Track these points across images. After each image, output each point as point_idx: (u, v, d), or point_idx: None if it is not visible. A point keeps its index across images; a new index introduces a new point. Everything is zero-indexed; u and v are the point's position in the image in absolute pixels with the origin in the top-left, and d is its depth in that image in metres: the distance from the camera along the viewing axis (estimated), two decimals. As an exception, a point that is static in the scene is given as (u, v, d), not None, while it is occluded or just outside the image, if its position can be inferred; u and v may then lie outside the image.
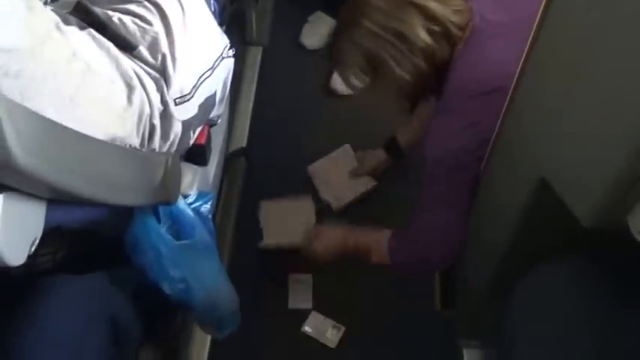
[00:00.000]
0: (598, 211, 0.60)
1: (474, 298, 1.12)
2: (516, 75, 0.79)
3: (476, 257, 1.06)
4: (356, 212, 1.53)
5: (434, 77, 1.03)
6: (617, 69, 0.58)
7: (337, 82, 1.79)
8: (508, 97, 0.81)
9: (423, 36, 1.00)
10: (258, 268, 1.44)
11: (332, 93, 1.79)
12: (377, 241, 1.20)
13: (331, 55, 1.14)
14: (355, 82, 1.12)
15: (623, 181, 0.57)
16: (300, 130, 1.71)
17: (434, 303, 1.36)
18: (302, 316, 1.38)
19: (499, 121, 0.85)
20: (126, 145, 0.81)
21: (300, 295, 1.42)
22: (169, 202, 0.82)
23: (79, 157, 0.67)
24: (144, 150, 0.85)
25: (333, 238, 1.29)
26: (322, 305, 1.40)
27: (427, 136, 1.05)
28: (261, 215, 1.46)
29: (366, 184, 1.56)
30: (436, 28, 1.00)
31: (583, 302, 0.69)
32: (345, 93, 1.79)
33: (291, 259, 1.40)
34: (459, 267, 1.23)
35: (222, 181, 1.42)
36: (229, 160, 1.48)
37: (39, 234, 0.68)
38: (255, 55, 1.74)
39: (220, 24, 1.40)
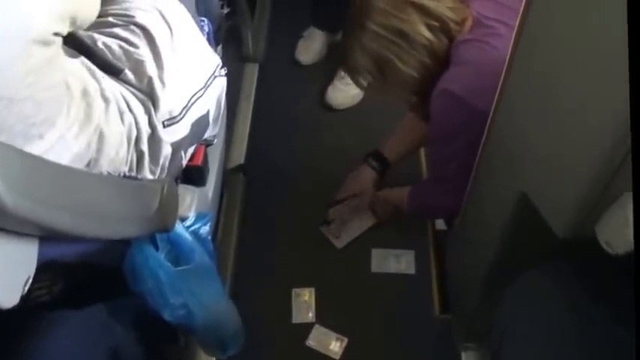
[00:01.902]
0: (571, 223, 0.65)
1: (469, 303, 1.15)
2: (497, 93, 0.82)
3: (468, 264, 1.09)
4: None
5: (438, 71, 1.08)
6: (585, 94, 0.61)
7: (333, 97, 1.81)
8: (490, 115, 0.83)
9: (423, 32, 1.07)
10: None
11: (328, 107, 1.81)
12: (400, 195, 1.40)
13: (342, 60, 1.20)
14: (366, 83, 1.18)
15: (592, 196, 0.62)
16: (298, 145, 1.72)
17: (433, 309, 1.40)
18: (305, 329, 1.38)
19: (484, 135, 0.88)
20: (118, 173, 0.82)
21: (302, 309, 1.42)
22: (166, 230, 0.82)
23: (68, 193, 0.66)
24: (138, 177, 0.86)
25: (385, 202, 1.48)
26: (325, 318, 1.40)
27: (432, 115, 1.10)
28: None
29: (367, 222, 1.54)
30: (435, 23, 1.08)
31: (562, 299, 0.74)
32: (340, 107, 1.81)
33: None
34: (453, 273, 1.25)
35: (221, 198, 1.43)
36: (228, 176, 1.50)
37: (32, 273, 0.67)
38: (252, 71, 1.75)
39: (216, 43, 1.43)
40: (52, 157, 0.73)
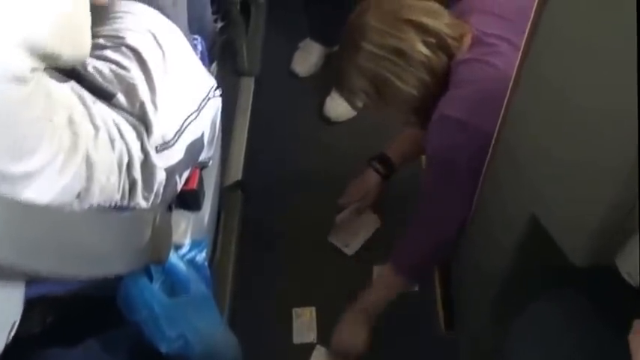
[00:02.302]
0: (588, 251, 0.60)
1: (476, 323, 1.11)
2: (502, 108, 0.79)
3: (476, 284, 1.06)
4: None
5: (438, 90, 1.06)
6: (604, 106, 0.57)
7: (331, 109, 1.78)
8: (495, 132, 0.80)
9: (421, 49, 1.05)
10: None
11: (326, 120, 1.78)
12: (382, 283, 1.22)
13: (336, 80, 1.17)
14: (361, 104, 1.15)
15: (612, 222, 0.57)
16: (297, 159, 1.69)
17: (438, 326, 1.35)
18: (306, 350, 1.36)
19: (489, 154, 0.85)
20: (109, 203, 0.80)
21: (304, 329, 1.40)
22: (160, 262, 0.80)
23: (54, 237, 0.64)
24: (129, 205, 0.84)
25: (352, 331, 1.24)
26: (326, 338, 1.37)
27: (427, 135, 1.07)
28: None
29: (373, 224, 1.54)
30: (432, 40, 1.05)
31: (574, 333, 0.70)
32: (339, 119, 1.78)
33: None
34: (460, 292, 1.22)
35: (219, 217, 1.40)
36: (226, 194, 1.47)
37: (18, 317, 0.64)
38: (248, 85, 1.73)
39: (210, 60, 1.41)
40: (39, 190, 0.70)
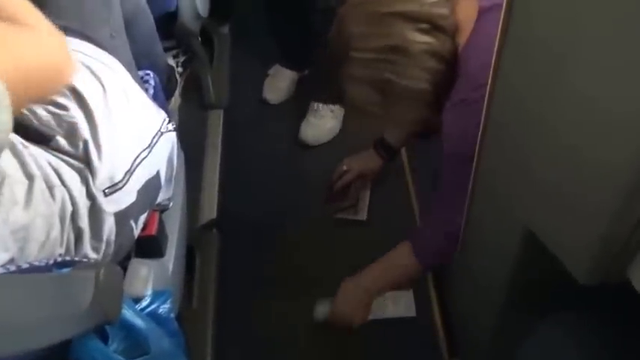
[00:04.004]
0: (593, 268, 0.50)
1: (479, 348, 1.01)
2: (484, 105, 0.70)
3: (475, 306, 0.96)
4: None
5: (450, 73, 0.96)
6: (605, 93, 0.48)
7: (307, 133, 1.71)
8: (478, 141, 0.71)
9: (417, 38, 0.94)
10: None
11: (303, 145, 1.71)
12: (396, 265, 1.19)
13: (336, 94, 1.08)
14: (373, 110, 1.04)
15: (618, 235, 0.47)
16: (275, 190, 1.61)
17: (441, 354, 1.27)
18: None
19: (474, 165, 0.76)
20: (50, 260, 0.71)
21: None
22: (109, 322, 0.70)
23: None
24: (74, 258, 0.74)
25: (349, 297, 1.23)
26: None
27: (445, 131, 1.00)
28: None
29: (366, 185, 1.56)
30: (424, 26, 0.94)
31: None
32: (317, 143, 1.71)
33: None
34: (460, 316, 1.13)
35: (194, 260, 1.30)
36: (200, 234, 1.38)
37: None
38: (216, 118, 1.66)
39: (167, 95, 1.33)
40: None
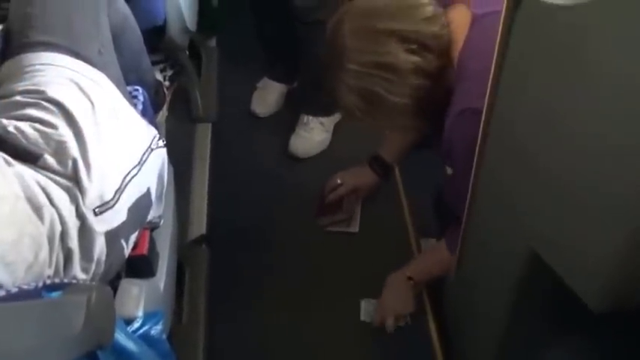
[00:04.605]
0: (606, 293, 0.47)
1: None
2: (483, 116, 0.69)
3: (475, 332, 0.94)
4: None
5: (437, 89, 1.01)
6: (612, 108, 0.47)
7: (297, 146, 1.70)
8: (475, 157, 0.70)
9: (405, 57, 0.99)
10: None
11: (294, 158, 1.69)
12: (434, 256, 1.29)
13: (329, 95, 1.12)
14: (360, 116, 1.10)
15: (635, 258, 0.44)
16: (266, 204, 1.59)
17: None
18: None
19: (471, 182, 0.75)
20: (38, 282, 0.69)
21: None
22: (101, 347, 0.68)
23: None
24: (63, 280, 0.72)
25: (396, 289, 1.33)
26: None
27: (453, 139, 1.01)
28: None
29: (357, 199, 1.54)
30: (413, 46, 0.99)
31: None
32: (307, 156, 1.70)
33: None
34: (460, 342, 1.10)
35: (183, 277, 1.28)
36: (189, 250, 1.35)
37: None
38: (205, 132, 1.64)
39: (155, 109, 1.32)
40: None
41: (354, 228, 1.52)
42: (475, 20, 0.99)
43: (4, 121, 0.80)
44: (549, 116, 0.55)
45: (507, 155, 0.66)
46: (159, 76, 1.53)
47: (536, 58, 0.56)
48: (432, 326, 1.33)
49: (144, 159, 0.91)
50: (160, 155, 0.97)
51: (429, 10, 1.01)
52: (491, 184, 0.70)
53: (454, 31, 1.01)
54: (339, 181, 1.51)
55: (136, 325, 0.83)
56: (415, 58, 0.99)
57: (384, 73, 0.99)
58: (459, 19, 1.01)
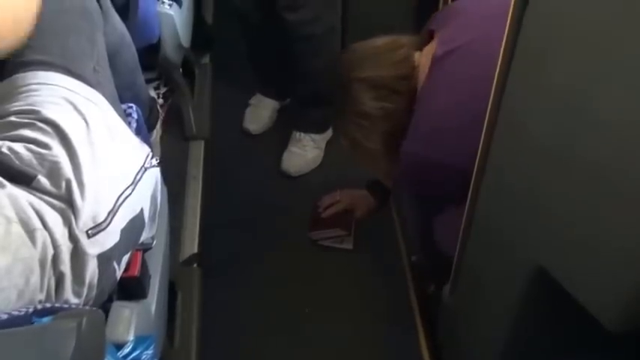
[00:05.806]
0: (623, 312, 0.43)
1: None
2: (484, 127, 0.68)
3: (473, 350, 0.93)
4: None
5: (401, 130, 1.03)
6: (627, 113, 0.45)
7: (289, 163, 1.70)
8: (475, 168, 0.69)
9: (374, 104, 1.04)
10: None
11: (286, 175, 1.69)
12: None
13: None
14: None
15: None
16: (258, 222, 1.58)
17: None
18: None
19: (469, 193, 0.74)
20: (29, 308, 0.67)
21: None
22: (90, 376, 0.66)
23: None
24: (56, 305, 0.71)
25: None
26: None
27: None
28: None
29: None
30: (383, 92, 1.04)
31: None
32: (299, 173, 1.70)
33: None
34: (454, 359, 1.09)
35: (175, 299, 1.26)
36: (181, 270, 1.33)
37: None
38: (198, 149, 1.63)
39: (149, 128, 1.30)
40: None
41: (349, 245, 1.52)
42: (434, 62, 1.00)
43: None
44: (574, 105, 0.49)
45: (515, 164, 0.61)
46: (152, 94, 1.52)
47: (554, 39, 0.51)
48: (423, 342, 1.32)
49: (137, 178, 0.89)
50: (154, 174, 0.95)
51: (401, 53, 1.06)
52: (494, 196, 0.68)
53: (422, 72, 1.03)
54: (338, 198, 1.53)
55: (127, 350, 0.81)
56: (384, 104, 1.04)
57: (360, 120, 1.06)
58: (426, 60, 1.03)
